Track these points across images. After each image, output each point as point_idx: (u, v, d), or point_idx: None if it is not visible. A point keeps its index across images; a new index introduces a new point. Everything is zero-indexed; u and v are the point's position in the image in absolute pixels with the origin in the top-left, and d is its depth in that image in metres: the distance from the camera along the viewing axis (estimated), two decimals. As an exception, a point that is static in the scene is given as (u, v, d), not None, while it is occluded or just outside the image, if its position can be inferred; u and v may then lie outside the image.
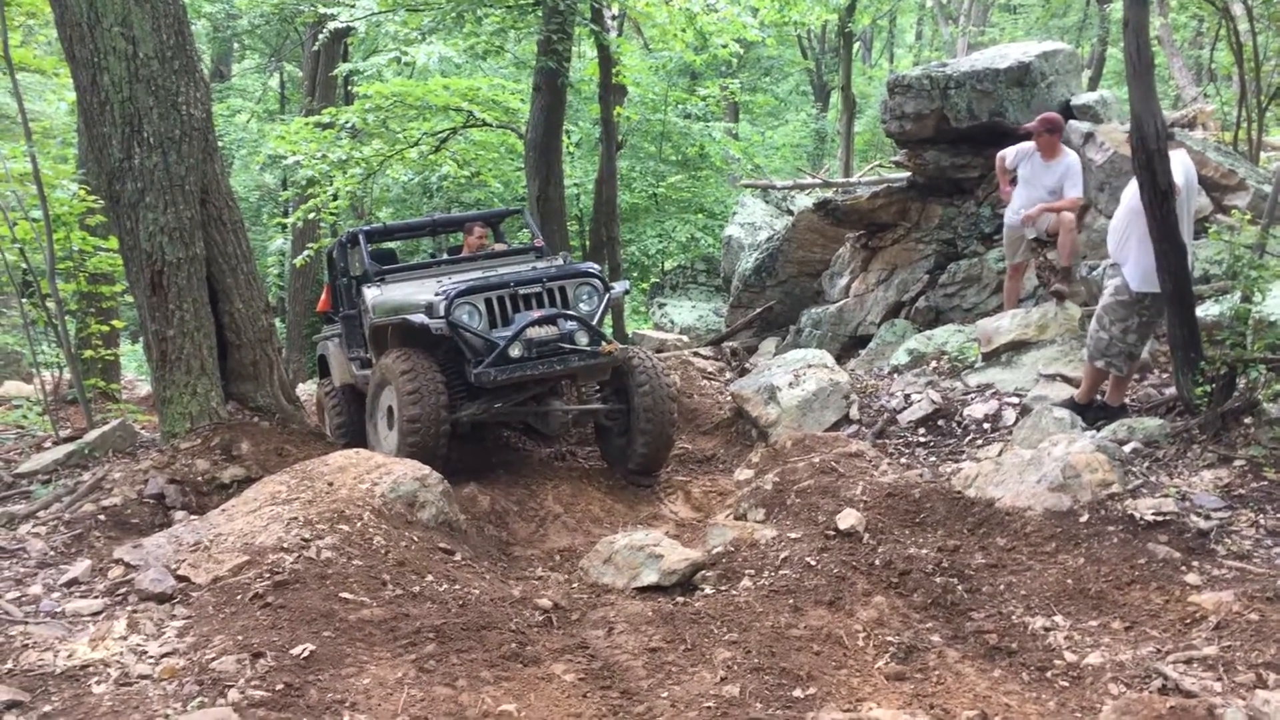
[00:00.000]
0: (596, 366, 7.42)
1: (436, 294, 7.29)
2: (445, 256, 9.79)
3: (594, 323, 7.41)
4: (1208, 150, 9.11)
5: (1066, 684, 4.02)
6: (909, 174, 11.22)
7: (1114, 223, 6.67)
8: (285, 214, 19.43)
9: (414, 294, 7.68)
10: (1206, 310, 6.88)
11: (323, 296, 10.03)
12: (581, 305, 7.49)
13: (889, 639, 4.36)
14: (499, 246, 9.75)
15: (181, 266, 7.16)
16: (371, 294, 8.04)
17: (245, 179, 25.54)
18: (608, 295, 7.64)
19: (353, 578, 4.87)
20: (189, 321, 7.20)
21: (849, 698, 3.94)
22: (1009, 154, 8.71)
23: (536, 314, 7.24)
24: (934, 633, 4.45)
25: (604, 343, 7.38)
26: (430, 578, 5.06)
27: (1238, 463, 5.53)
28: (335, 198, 14.45)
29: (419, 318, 7.18)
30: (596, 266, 8.00)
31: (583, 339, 7.29)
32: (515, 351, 7.06)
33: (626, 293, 8.29)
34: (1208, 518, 5.10)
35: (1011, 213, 8.69)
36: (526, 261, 8.62)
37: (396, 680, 4.06)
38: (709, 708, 3.90)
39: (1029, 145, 8.55)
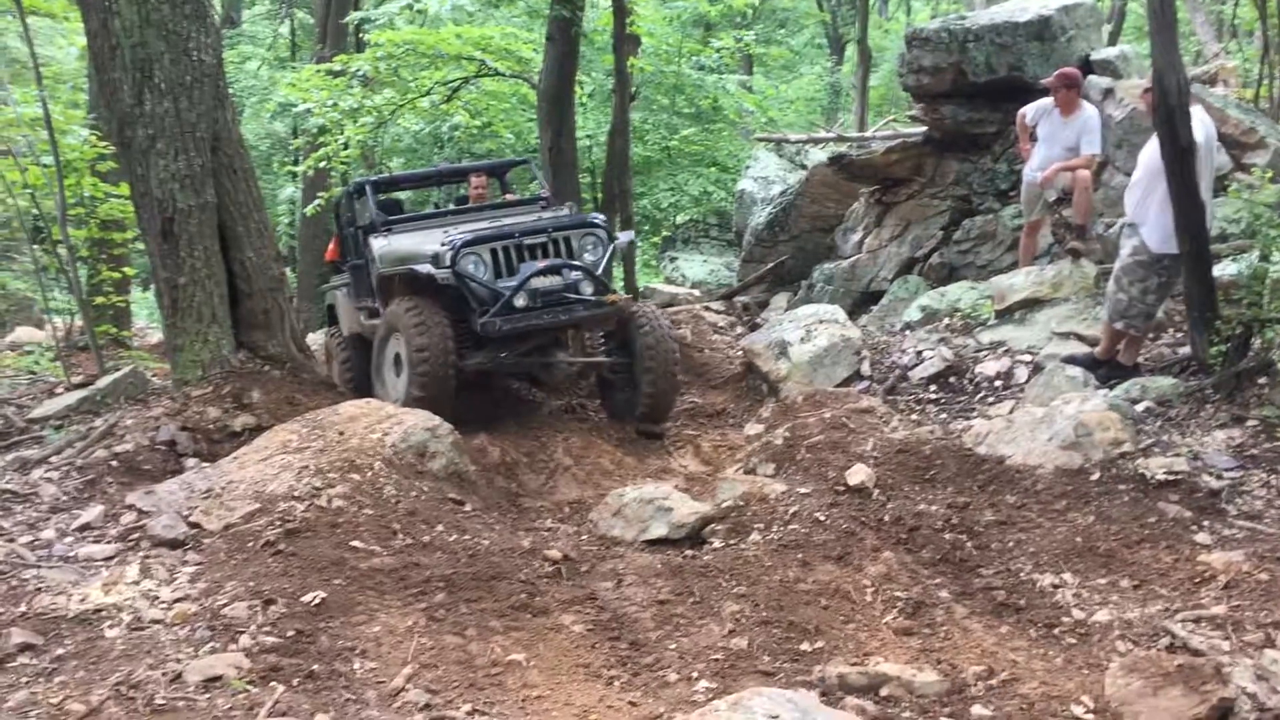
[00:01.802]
0: (601, 317, 7.50)
1: (442, 244, 7.27)
2: (452, 207, 9.71)
3: (599, 273, 7.43)
4: (1228, 107, 8.99)
5: (1074, 641, 4.04)
6: (925, 129, 11.10)
7: (1132, 182, 6.60)
8: (296, 162, 19.34)
9: (420, 244, 7.64)
10: (1224, 269, 6.82)
11: (330, 245, 9.98)
12: (586, 255, 7.47)
13: (897, 594, 4.37)
14: (509, 197, 9.60)
15: (192, 214, 7.13)
16: (378, 244, 8.00)
17: (255, 127, 25.40)
18: (612, 245, 7.65)
19: (363, 526, 4.90)
20: (200, 269, 7.18)
21: (856, 651, 3.96)
22: (1029, 110, 8.61)
23: (541, 264, 7.25)
24: (942, 589, 4.46)
25: (609, 293, 7.42)
26: (440, 528, 5.09)
27: (1251, 423, 5.50)
28: (346, 146, 14.35)
29: (425, 268, 7.17)
30: (601, 216, 7.93)
31: (587, 289, 7.34)
32: (520, 301, 7.09)
33: (632, 243, 8.40)
34: (1219, 477, 5.08)
35: (1030, 170, 8.60)
36: (532, 212, 8.54)
37: (406, 629, 4.09)
38: (716, 659, 3.92)
39: (1048, 101, 8.45)
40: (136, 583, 4.41)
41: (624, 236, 8.04)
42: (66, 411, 7.18)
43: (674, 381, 7.77)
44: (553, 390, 8.60)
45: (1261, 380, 5.74)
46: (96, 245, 10.32)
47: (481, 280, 7.14)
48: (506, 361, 7.46)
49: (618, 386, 7.94)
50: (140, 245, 8.73)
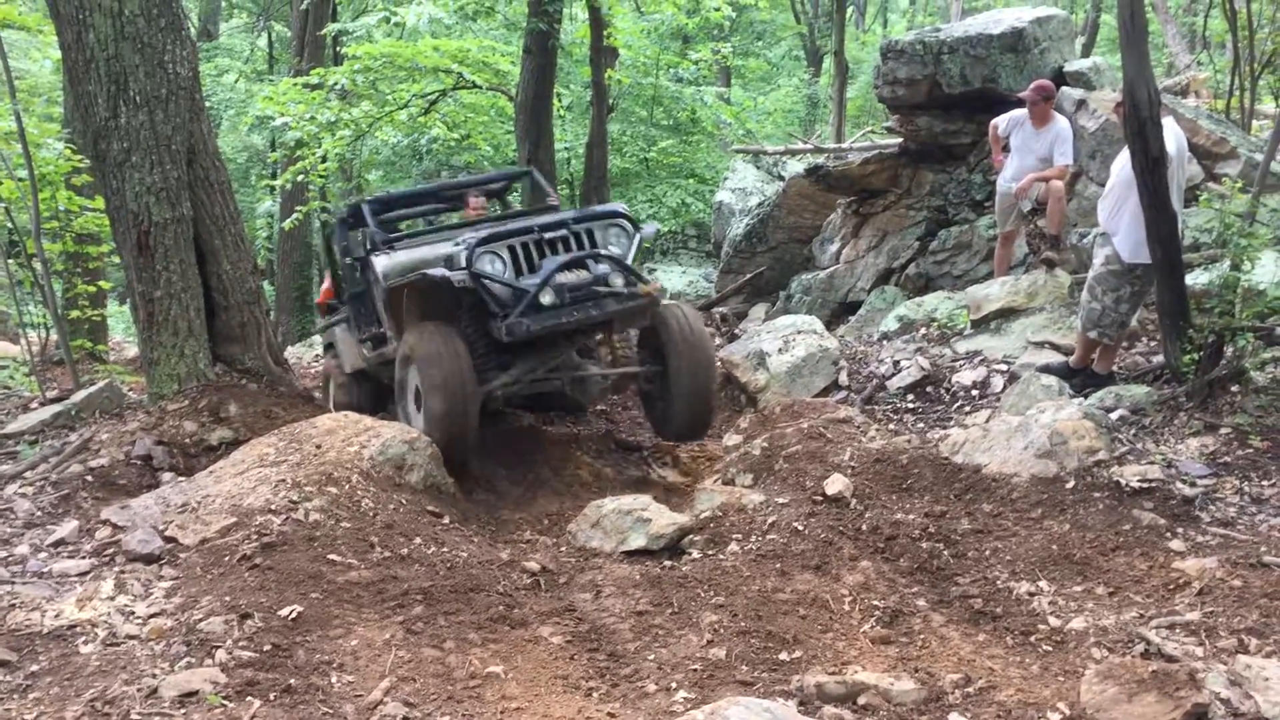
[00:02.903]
0: (636, 309, 6.85)
1: (456, 244, 6.82)
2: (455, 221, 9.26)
3: (628, 263, 6.87)
4: (1200, 118, 9.09)
5: (1050, 648, 4.06)
6: (901, 140, 11.18)
7: (1105, 192, 6.67)
8: (273, 176, 19.30)
9: (430, 252, 7.23)
10: (1196, 278, 6.89)
11: (324, 287, 9.43)
12: (611, 247, 6.90)
13: (875, 603, 4.38)
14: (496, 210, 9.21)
15: (168, 227, 7.10)
16: (381, 262, 7.41)
17: (233, 140, 25.35)
18: (638, 235, 7.08)
19: (341, 540, 4.87)
20: (176, 282, 7.15)
21: (834, 661, 3.96)
22: (1001, 122, 8.70)
23: (565, 256, 6.67)
24: (919, 597, 4.47)
25: (641, 283, 6.85)
26: (418, 540, 5.07)
27: (1224, 430, 5.56)
28: (324, 160, 14.36)
29: (439, 271, 6.57)
30: (624, 206, 7.44)
31: (618, 280, 6.72)
32: (547, 299, 6.47)
33: (656, 233, 7.58)
34: (1193, 485, 5.13)
35: (1003, 181, 8.68)
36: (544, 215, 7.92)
37: (384, 642, 4.07)
38: (695, 670, 3.92)
39: (1021, 113, 8.53)
40: (112, 598, 4.37)
41: (649, 227, 7.38)
42: (41, 426, 7.13)
43: (709, 400, 7.15)
44: (569, 412, 8.20)
45: (1234, 388, 5.80)
46: (71, 259, 10.26)
47: (502, 280, 6.54)
48: (536, 377, 6.95)
49: (658, 396, 7.29)
50: (116, 259, 8.67)
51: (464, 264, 6.51)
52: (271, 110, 14.48)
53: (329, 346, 9.32)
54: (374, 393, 8.46)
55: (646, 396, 7.52)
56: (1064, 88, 9.64)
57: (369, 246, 7.78)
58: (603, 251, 6.79)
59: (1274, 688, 3.44)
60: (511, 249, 6.68)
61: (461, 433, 6.28)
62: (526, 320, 6.41)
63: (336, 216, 8.67)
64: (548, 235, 6.75)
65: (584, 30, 15.48)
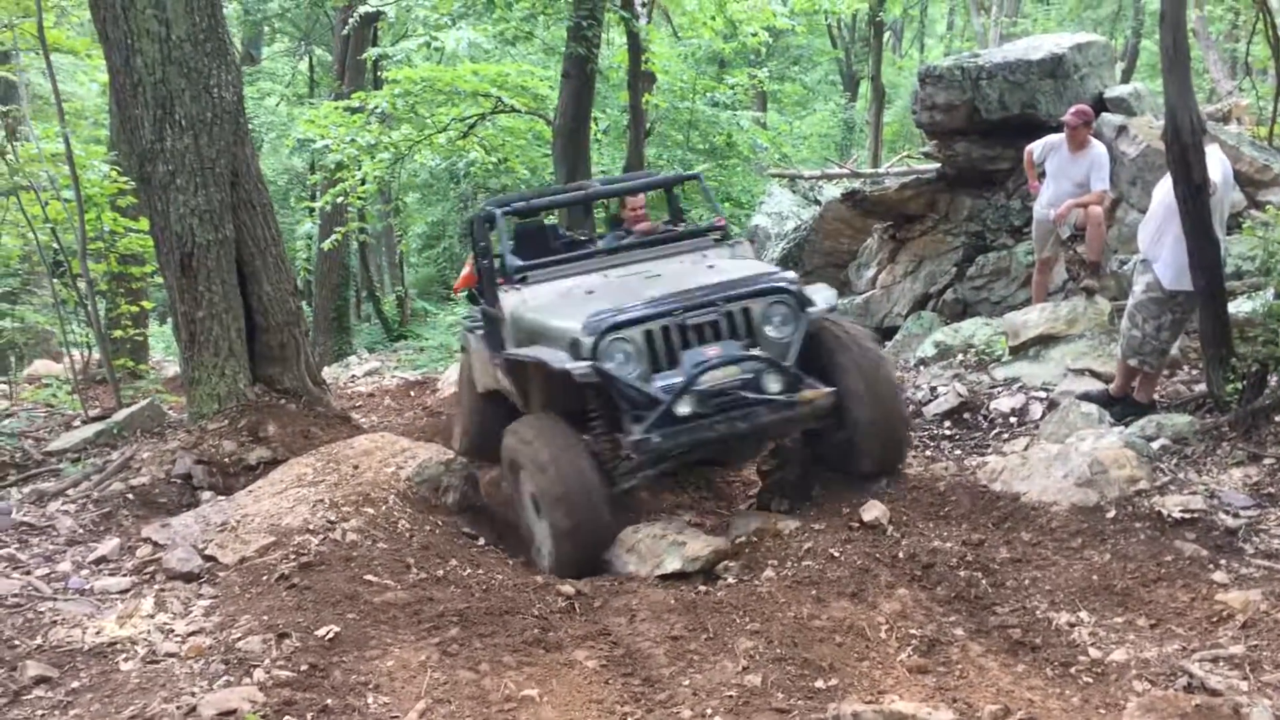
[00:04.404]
0: (793, 420, 5.70)
1: (583, 327, 5.59)
2: (610, 235, 8.10)
3: (788, 359, 5.68)
4: (1242, 145, 9.01)
5: (1090, 680, 4.00)
6: (938, 165, 11.15)
7: (1147, 218, 6.61)
8: (313, 198, 19.51)
9: (558, 311, 6.11)
10: (1239, 307, 6.81)
11: (464, 271, 8.29)
12: (769, 331, 5.78)
13: (912, 632, 4.34)
14: (676, 227, 7.87)
15: (211, 249, 7.19)
16: (511, 302, 6.47)
17: (274, 162, 25.66)
18: (803, 320, 5.81)
19: (377, 560, 4.91)
20: (218, 303, 7.24)
21: (871, 689, 3.93)
22: (1036, 148, 8.65)
23: (711, 352, 5.58)
24: (957, 626, 4.43)
25: (802, 388, 5.64)
26: (454, 562, 5.09)
27: (1268, 461, 5.48)
28: (363, 182, 14.50)
29: (559, 358, 5.58)
30: (791, 275, 6.20)
31: (774, 384, 5.58)
32: (684, 408, 5.44)
33: (833, 309, 6.15)
34: (1236, 515, 5.05)
35: (1040, 207, 8.63)
36: (701, 248, 6.90)
37: (420, 663, 4.09)
38: (730, 696, 3.90)
39: (1056, 138, 8.47)
40: (151, 616, 4.43)
41: (822, 301, 6.00)
42: (83, 444, 7.23)
43: (900, 425, 6.03)
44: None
45: (1278, 418, 5.72)
46: (115, 279, 10.40)
47: (632, 382, 5.51)
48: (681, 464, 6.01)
49: (831, 428, 6.02)
50: (158, 279, 8.79)
51: (589, 353, 5.48)
52: (313, 133, 14.65)
53: (463, 350, 8.48)
54: (509, 420, 6.58)
55: (814, 430, 6.13)
56: (1104, 114, 9.59)
57: (501, 272, 6.86)
58: (757, 352, 5.67)
59: (1321, 724, 3.38)
60: (648, 334, 5.61)
61: (594, 544, 5.47)
62: (658, 437, 5.39)
63: (476, 214, 7.62)
64: (692, 319, 5.66)
65: (621, 55, 15.58)
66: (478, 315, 7.63)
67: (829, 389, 5.64)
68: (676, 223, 8.06)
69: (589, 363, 5.41)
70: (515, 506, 5.92)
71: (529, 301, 6.39)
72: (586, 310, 5.74)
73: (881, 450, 5.89)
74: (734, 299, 5.74)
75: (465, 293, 8.26)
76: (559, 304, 6.21)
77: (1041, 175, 8.66)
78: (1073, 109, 8.42)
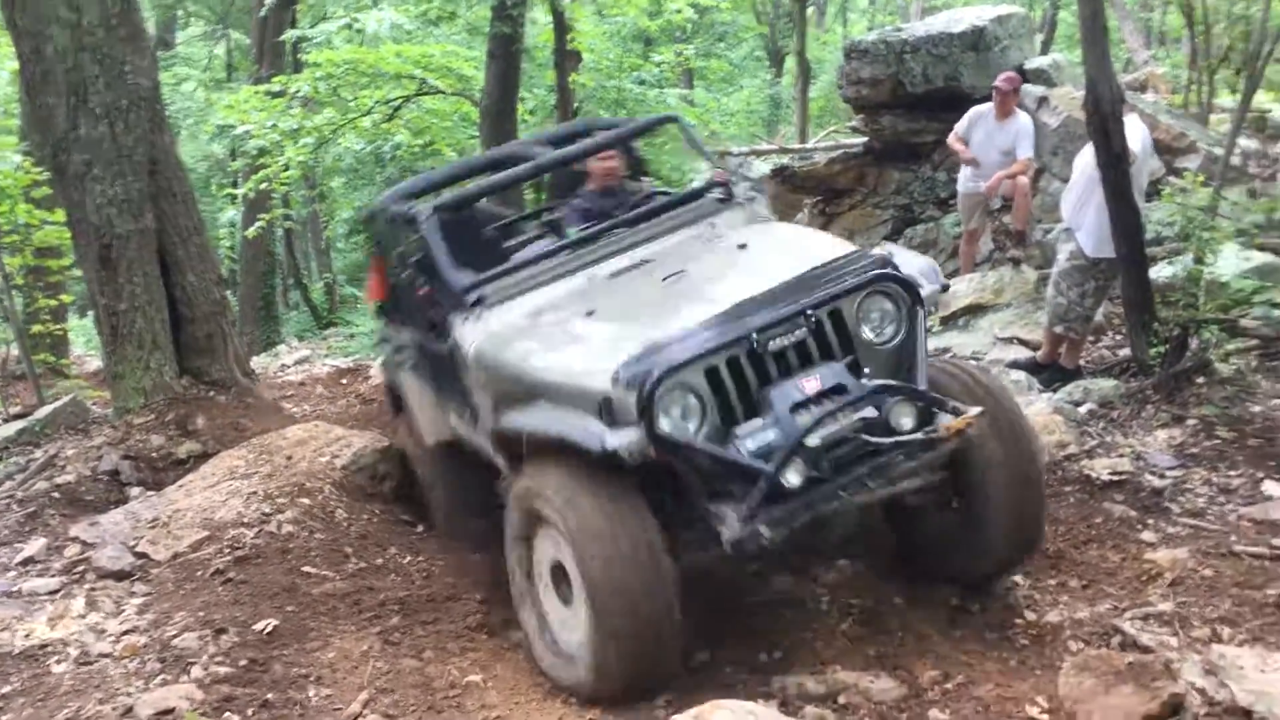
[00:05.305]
0: (935, 463, 3.93)
1: (618, 377, 3.73)
2: (569, 210, 5.72)
3: (915, 374, 3.99)
4: (1159, 113, 9.19)
5: (1027, 642, 4.08)
6: (866, 139, 11.24)
7: (1068, 187, 6.73)
8: (235, 185, 19.14)
9: (557, 348, 4.23)
10: (1159, 272, 6.96)
11: (371, 280, 6.28)
12: (868, 334, 4.06)
13: (852, 602, 4.39)
14: (647, 184, 6.20)
15: (131, 239, 7.02)
16: (473, 338, 4.53)
17: (193, 149, 25.10)
18: (918, 311, 4.07)
19: (315, 551, 4.85)
20: (140, 295, 7.07)
21: (814, 661, 3.97)
22: (961, 124, 8.66)
23: (809, 386, 3.82)
24: (896, 595, 4.49)
25: (944, 416, 3.90)
26: (393, 550, 5.05)
27: (1191, 422, 5.62)
28: (287, 168, 14.25)
29: (589, 431, 3.73)
30: (892, 250, 4.43)
31: (905, 419, 3.84)
32: (795, 477, 3.68)
33: (945, 289, 4.60)
34: (1162, 476, 5.18)
35: (964, 178, 8.71)
36: (707, 216, 4.99)
37: (362, 653, 4.05)
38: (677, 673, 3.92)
39: (983, 108, 8.54)
40: (83, 616, 4.33)
41: (929, 281, 4.21)
42: (5, 443, 7.04)
43: (1043, 491, 4.39)
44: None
45: (1200, 380, 5.86)
46: (32, 273, 10.12)
47: (706, 450, 3.75)
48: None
49: (930, 510, 4.35)
50: (77, 272, 8.58)
51: (635, 415, 3.65)
52: (233, 118, 14.35)
53: (390, 391, 6.42)
54: (478, 477, 5.00)
55: (901, 513, 4.45)
56: (1025, 85, 9.71)
57: (444, 293, 4.78)
58: (890, 382, 3.90)
59: (1248, 676, 3.48)
60: (712, 373, 3.81)
61: (658, 660, 3.75)
62: (768, 529, 3.66)
63: (373, 210, 6.06)
64: (773, 341, 3.85)
65: (547, 34, 15.46)
66: (405, 342, 5.67)
67: (974, 408, 3.89)
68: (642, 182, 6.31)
69: (638, 431, 3.62)
70: (515, 573, 4.19)
71: (502, 335, 4.44)
72: (598, 343, 4.07)
73: (1009, 546, 4.22)
74: (822, 302, 3.96)
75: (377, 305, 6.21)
76: (552, 337, 4.31)
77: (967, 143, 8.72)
78: (1004, 75, 8.45)
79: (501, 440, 4.40)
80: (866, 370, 3.94)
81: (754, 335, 3.80)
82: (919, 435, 3.82)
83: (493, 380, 4.38)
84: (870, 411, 3.78)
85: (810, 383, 3.83)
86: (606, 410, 3.70)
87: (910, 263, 4.29)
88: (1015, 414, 4.23)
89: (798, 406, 3.77)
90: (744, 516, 3.64)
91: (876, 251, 4.36)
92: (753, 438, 3.76)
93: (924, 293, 4.07)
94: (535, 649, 4.09)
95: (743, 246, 4.60)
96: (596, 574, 3.65)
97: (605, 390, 3.73)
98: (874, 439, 3.78)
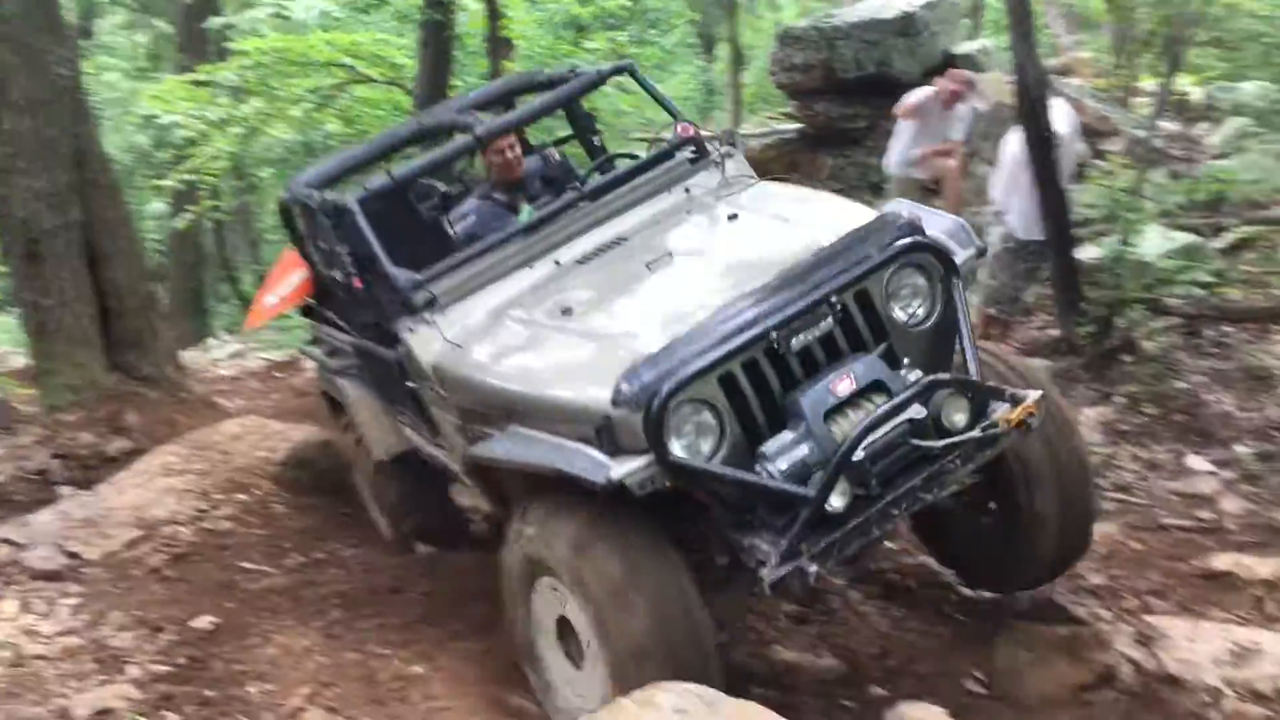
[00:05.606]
0: (987, 462, 3.39)
1: (622, 388, 3.15)
2: (474, 215, 4.75)
3: (962, 359, 3.49)
4: (1084, 97, 9.36)
5: (963, 618, 4.16)
6: (799, 125, 11.31)
7: (997, 171, 6.83)
8: (161, 176, 18.79)
9: (536, 357, 3.65)
10: (1086, 253, 7.09)
11: (298, 281, 5.26)
12: (899, 314, 3.49)
13: (793, 583, 4.43)
14: (550, 155, 5.38)
15: (58, 233, 6.85)
16: (432, 350, 3.89)
17: (118, 140, 24.56)
18: (958, 284, 3.51)
19: (253, 547, 4.80)
20: (68, 290, 6.91)
21: (757, 642, 4.02)
22: (912, 97, 8.42)
23: (842, 387, 3.26)
24: (836, 575, 4.55)
25: (997, 406, 3.37)
26: (333, 544, 5.01)
27: (1118, 399, 5.75)
28: (216, 158, 14.01)
29: (586, 461, 3.14)
30: (920, 213, 3.76)
31: (958, 415, 3.28)
32: (840, 500, 3.12)
33: (982, 253, 3.87)
34: (1092, 453, 5.29)
35: (892, 163, 8.73)
36: (680, 179, 4.37)
37: (303, 648, 4.02)
38: (620, 658, 3.93)
39: (928, 91, 8.47)
40: (14, 619, 4.24)
41: (962, 247, 3.65)
42: (-72, 444, 6.86)
43: (1090, 492, 3.89)
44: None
45: (1127, 358, 6.00)
46: (-47, 270, 9.87)
47: (732, 475, 3.17)
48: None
49: (969, 518, 3.98)
50: (1, 268, 8.37)
51: (640, 434, 3.05)
52: (159, 109, 14.08)
53: (329, 399, 5.62)
54: (434, 488, 4.95)
55: (939, 519, 4.05)
56: (953, 70, 9.82)
57: (391, 293, 4.05)
58: (939, 376, 3.31)
59: (1178, 645, 3.59)
60: (727, 381, 3.23)
61: None
62: (813, 563, 3.10)
63: (289, 199, 5.20)
64: (796, 337, 3.29)
65: (478, 22, 15.35)
66: (341, 346, 5.11)
67: (1032, 392, 3.37)
68: (588, 149, 5.81)
69: (648, 459, 3.05)
70: (515, 624, 3.63)
71: (466, 344, 3.80)
72: (585, 351, 3.51)
73: (1061, 550, 3.82)
74: (849, 283, 3.35)
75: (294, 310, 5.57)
76: (527, 343, 3.71)
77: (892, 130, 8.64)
78: (963, 76, 8.34)
79: (476, 470, 3.87)
80: (905, 361, 3.39)
81: (773, 332, 3.21)
82: (975, 432, 3.25)
83: (456, 393, 3.79)
84: (917, 411, 3.20)
85: (843, 383, 3.25)
86: (607, 434, 3.12)
87: (937, 224, 3.68)
88: (1057, 403, 3.73)
89: (832, 413, 3.22)
90: (784, 552, 3.07)
91: (897, 210, 3.75)
92: (784, 456, 3.16)
93: (958, 260, 3.50)
94: (546, 701, 3.60)
95: (733, 217, 3.99)
96: (623, 639, 3.06)
97: (603, 410, 3.14)
98: (924, 443, 3.22)
